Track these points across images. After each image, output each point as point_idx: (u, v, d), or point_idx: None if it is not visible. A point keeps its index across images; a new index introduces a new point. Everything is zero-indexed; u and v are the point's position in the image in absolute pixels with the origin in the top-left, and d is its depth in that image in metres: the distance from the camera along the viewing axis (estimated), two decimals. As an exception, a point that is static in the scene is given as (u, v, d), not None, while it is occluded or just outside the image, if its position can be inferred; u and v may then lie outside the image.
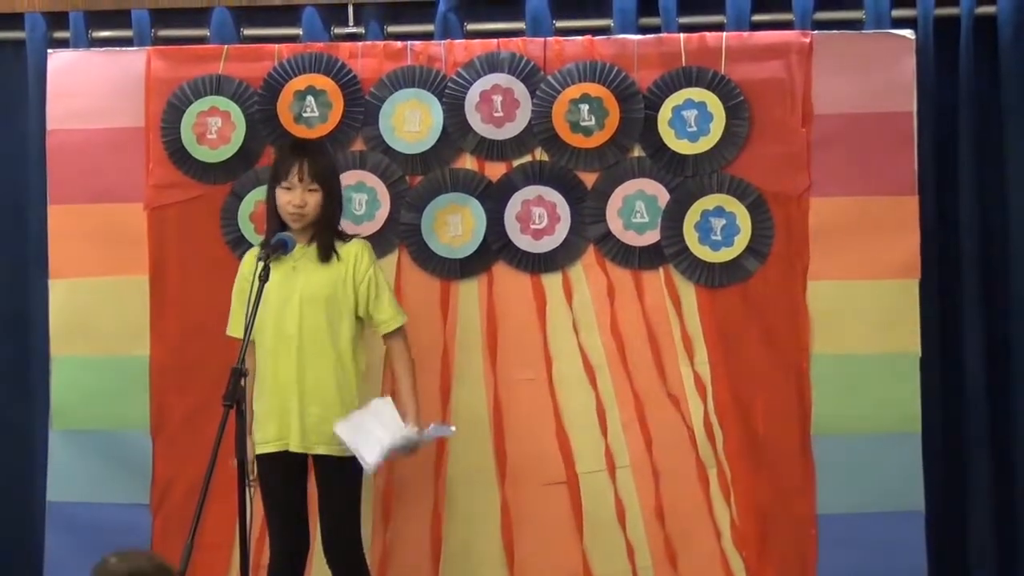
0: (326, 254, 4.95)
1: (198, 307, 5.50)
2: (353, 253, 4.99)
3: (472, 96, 5.52)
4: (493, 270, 5.53)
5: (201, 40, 5.75)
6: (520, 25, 5.69)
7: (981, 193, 5.56)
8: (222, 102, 5.57)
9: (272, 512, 4.95)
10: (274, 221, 4.99)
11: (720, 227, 5.45)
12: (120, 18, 5.79)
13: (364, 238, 5.15)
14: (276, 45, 5.63)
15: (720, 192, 5.45)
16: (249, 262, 4.96)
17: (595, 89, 5.48)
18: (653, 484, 5.44)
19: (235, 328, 4.96)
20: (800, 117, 5.43)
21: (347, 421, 4.84)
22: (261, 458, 4.93)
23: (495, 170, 5.54)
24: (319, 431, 4.89)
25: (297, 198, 4.92)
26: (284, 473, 4.93)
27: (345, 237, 5.05)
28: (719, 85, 5.45)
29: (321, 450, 4.90)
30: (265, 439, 4.92)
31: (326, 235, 4.97)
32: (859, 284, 5.40)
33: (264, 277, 4.66)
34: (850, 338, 5.40)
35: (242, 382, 4.44)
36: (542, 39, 5.56)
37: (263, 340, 4.93)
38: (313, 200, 4.94)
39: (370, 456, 4.77)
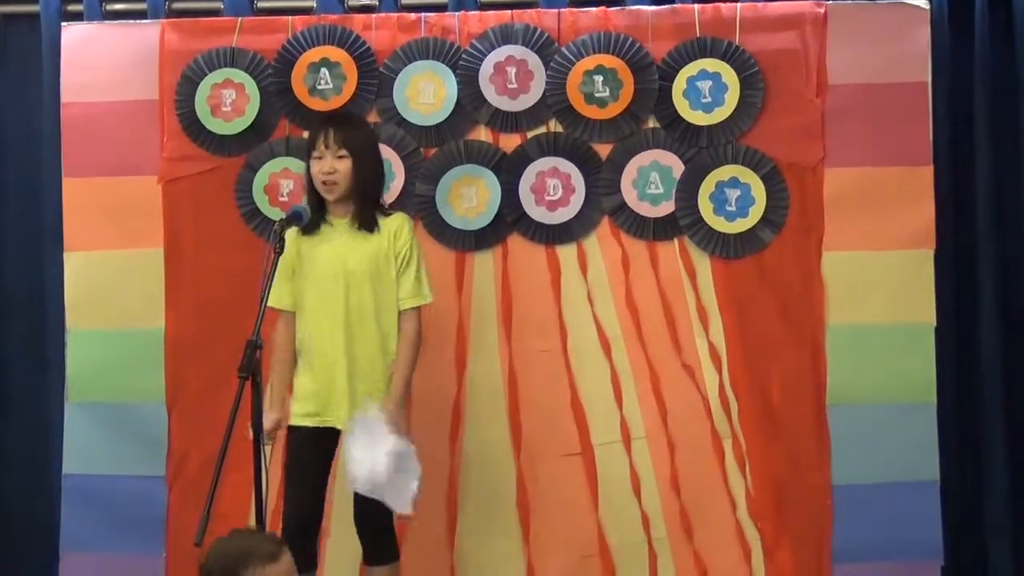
0: (362, 225, 4.93)
1: (213, 279, 5.52)
2: (394, 226, 4.97)
3: (486, 68, 5.51)
4: (508, 242, 5.53)
5: (215, 13, 5.75)
6: (534, -4, 5.69)
7: (996, 162, 5.55)
8: (236, 74, 5.57)
9: (294, 482, 4.96)
10: (310, 197, 4.98)
11: (735, 198, 5.45)
12: (134, -9, 5.80)
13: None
14: (290, 17, 5.63)
15: (735, 163, 5.44)
16: (287, 238, 4.83)
17: (609, 60, 5.47)
18: (668, 455, 5.45)
19: (272, 300, 4.82)
20: (815, 87, 5.43)
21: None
22: (296, 429, 4.95)
23: (509, 142, 5.54)
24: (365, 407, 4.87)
25: (327, 165, 4.91)
26: (316, 448, 4.94)
27: (387, 211, 5.04)
28: (734, 56, 5.44)
29: None
30: (304, 412, 4.93)
31: (362, 205, 4.95)
32: (874, 255, 5.40)
33: (279, 250, 4.64)
34: (865, 308, 5.40)
35: (257, 354, 4.43)
36: (556, 10, 5.56)
37: (307, 316, 4.93)
38: (343, 167, 4.92)
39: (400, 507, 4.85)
